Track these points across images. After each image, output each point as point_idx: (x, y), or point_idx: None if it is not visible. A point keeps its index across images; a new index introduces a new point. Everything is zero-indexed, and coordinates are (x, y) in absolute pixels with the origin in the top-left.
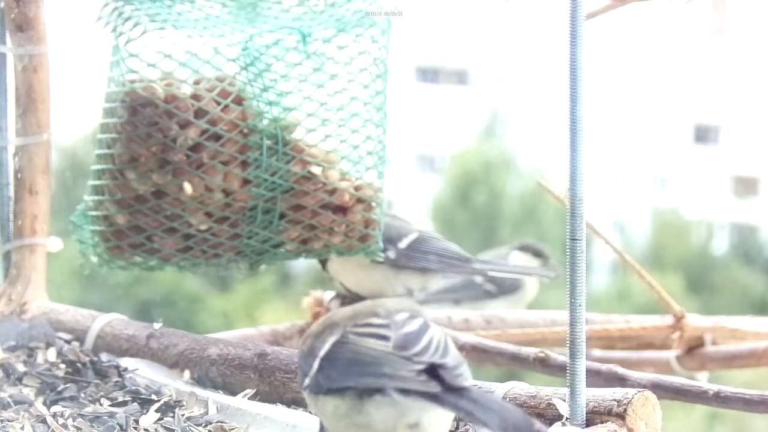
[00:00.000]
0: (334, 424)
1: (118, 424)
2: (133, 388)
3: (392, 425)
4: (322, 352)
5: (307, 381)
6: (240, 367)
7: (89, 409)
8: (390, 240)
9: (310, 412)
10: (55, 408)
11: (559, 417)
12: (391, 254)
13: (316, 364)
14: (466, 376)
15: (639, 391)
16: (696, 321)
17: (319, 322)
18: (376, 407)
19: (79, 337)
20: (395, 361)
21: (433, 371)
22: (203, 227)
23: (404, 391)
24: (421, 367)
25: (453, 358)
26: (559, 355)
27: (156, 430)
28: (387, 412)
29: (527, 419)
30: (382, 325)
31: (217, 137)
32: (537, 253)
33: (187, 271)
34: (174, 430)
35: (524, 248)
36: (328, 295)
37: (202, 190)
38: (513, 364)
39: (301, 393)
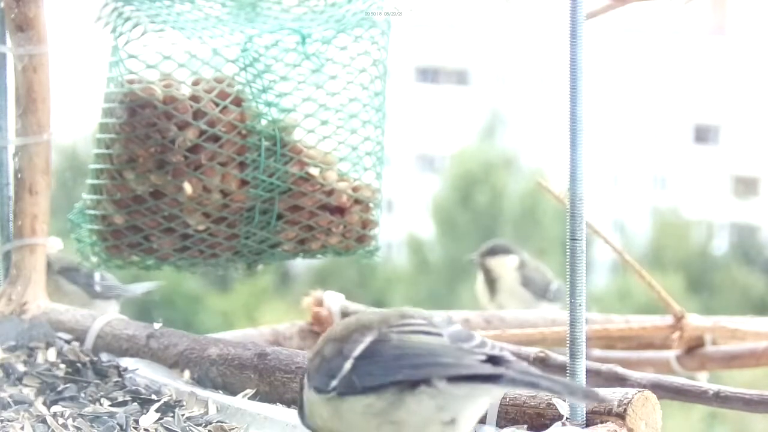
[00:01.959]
0: (363, 426)
1: (118, 424)
2: (133, 388)
3: (429, 421)
4: (356, 353)
5: (334, 383)
6: (240, 367)
7: (89, 409)
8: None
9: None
10: (55, 408)
11: (559, 417)
12: None
13: (348, 364)
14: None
15: (639, 391)
16: (696, 321)
17: (341, 327)
18: (418, 402)
19: (79, 337)
20: (456, 351)
21: (495, 362)
22: (201, 227)
23: (454, 381)
24: (484, 357)
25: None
26: (559, 355)
27: (156, 430)
28: (427, 407)
29: (587, 388)
30: (424, 324)
31: (215, 138)
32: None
33: (185, 271)
34: (174, 430)
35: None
36: (328, 295)
37: (200, 191)
38: None
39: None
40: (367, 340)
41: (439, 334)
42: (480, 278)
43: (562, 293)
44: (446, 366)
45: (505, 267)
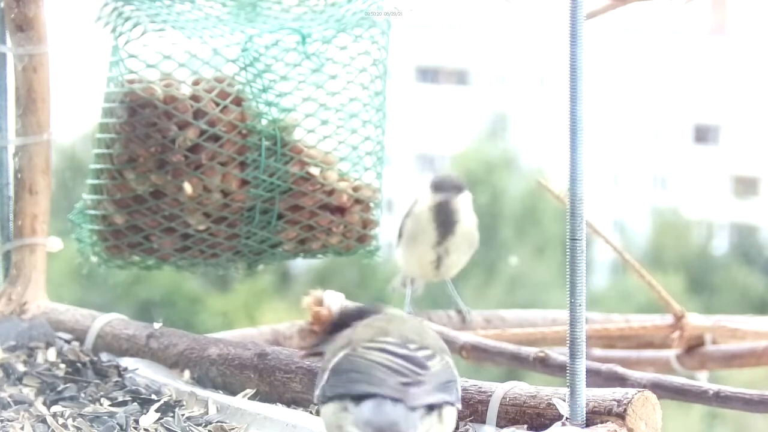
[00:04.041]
0: (332, 430)
1: (118, 424)
2: (133, 388)
3: None
4: (331, 365)
5: (317, 392)
6: (240, 367)
7: (89, 409)
8: None
9: (311, 412)
10: (55, 408)
11: (559, 417)
12: None
13: (325, 376)
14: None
15: (639, 391)
16: (696, 320)
17: (340, 340)
18: (359, 411)
19: (79, 337)
20: (385, 372)
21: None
22: (201, 227)
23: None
24: (408, 380)
25: (442, 391)
26: (559, 355)
27: (156, 430)
28: (360, 419)
29: None
30: (395, 344)
31: (215, 138)
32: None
33: (185, 271)
34: (174, 430)
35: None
36: (328, 294)
37: (201, 191)
38: (513, 364)
39: (302, 393)
40: (342, 354)
41: (393, 353)
42: (426, 216)
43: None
44: (369, 384)
45: (468, 206)
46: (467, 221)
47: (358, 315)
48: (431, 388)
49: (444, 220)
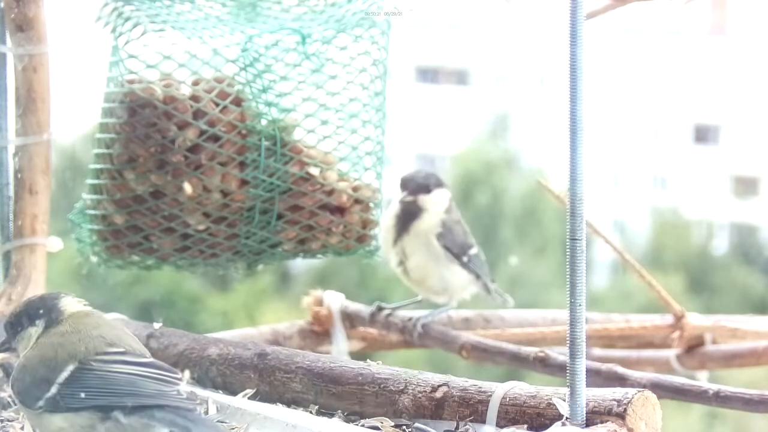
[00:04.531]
0: None
1: None
2: None
3: None
4: (60, 380)
5: (41, 402)
6: (240, 367)
7: None
8: None
9: (311, 412)
10: None
11: (559, 417)
12: None
13: (54, 389)
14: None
15: (639, 391)
16: (696, 320)
17: (48, 350)
18: (107, 428)
19: None
20: (154, 382)
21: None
22: (201, 227)
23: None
24: (178, 388)
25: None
26: (559, 355)
27: None
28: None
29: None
30: (130, 353)
31: (215, 138)
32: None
33: (185, 271)
34: None
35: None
36: (328, 294)
37: (200, 191)
38: (513, 364)
39: (302, 393)
40: (70, 368)
41: (142, 364)
42: (390, 215)
43: (480, 262)
44: (148, 396)
45: (441, 206)
46: (429, 220)
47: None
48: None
49: (404, 219)
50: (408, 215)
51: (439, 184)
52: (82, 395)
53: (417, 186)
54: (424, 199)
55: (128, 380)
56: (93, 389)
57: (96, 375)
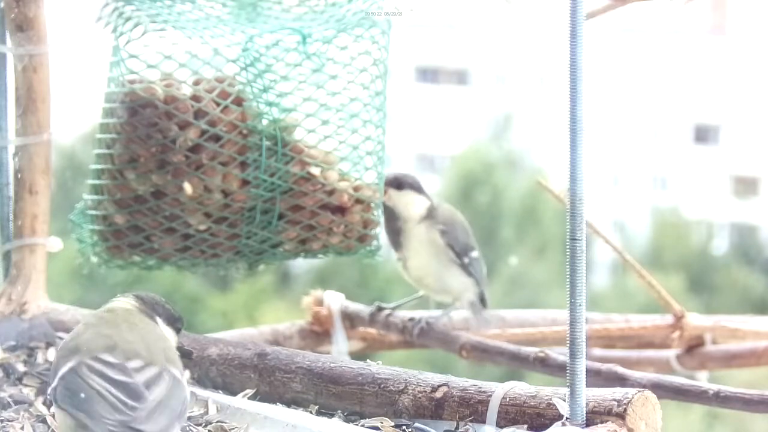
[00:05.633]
0: (61, 429)
1: None
2: None
3: None
4: (61, 372)
5: (49, 390)
6: (240, 367)
7: None
8: None
9: (311, 412)
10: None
11: (559, 417)
12: None
13: (55, 381)
14: None
15: (639, 391)
16: (696, 320)
17: (70, 338)
18: None
19: None
20: (104, 407)
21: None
22: (202, 227)
23: None
24: (123, 419)
25: (166, 419)
26: (559, 355)
27: None
28: None
29: None
30: (115, 366)
31: (216, 138)
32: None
33: (186, 271)
34: None
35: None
36: (328, 294)
37: (201, 191)
38: (513, 364)
39: (302, 393)
40: (69, 365)
41: (119, 383)
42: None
43: (479, 266)
44: (89, 415)
45: (410, 203)
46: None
47: None
48: (148, 420)
49: (387, 218)
50: (388, 215)
51: (415, 187)
52: (67, 396)
53: (389, 180)
54: (391, 194)
55: (89, 396)
56: (69, 392)
57: (75, 381)
